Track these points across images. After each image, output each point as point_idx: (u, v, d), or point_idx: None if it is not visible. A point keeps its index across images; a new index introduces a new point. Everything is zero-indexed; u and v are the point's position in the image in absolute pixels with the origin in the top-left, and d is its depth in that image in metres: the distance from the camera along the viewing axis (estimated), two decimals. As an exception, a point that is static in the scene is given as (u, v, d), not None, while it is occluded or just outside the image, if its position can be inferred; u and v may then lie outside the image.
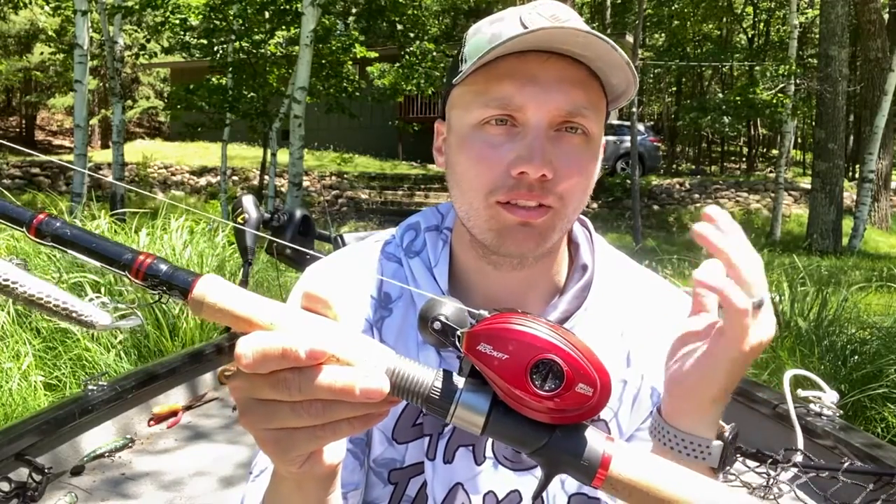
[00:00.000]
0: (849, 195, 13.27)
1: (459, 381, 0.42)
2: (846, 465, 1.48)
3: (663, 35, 21.93)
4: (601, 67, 0.65)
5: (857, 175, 15.00)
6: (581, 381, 0.39)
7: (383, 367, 0.41)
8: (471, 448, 0.73)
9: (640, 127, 15.31)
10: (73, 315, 0.45)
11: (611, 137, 15.73)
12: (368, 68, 14.50)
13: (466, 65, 0.65)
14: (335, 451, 0.47)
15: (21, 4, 12.80)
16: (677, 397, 0.56)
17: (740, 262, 0.51)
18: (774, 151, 22.60)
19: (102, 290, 3.54)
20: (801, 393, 1.93)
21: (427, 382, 0.42)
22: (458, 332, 0.44)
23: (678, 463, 0.42)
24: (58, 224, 0.46)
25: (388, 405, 0.42)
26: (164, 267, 0.44)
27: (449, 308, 0.47)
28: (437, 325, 0.46)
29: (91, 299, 0.46)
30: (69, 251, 0.46)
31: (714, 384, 0.54)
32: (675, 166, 21.84)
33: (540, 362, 0.40)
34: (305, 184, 14.54)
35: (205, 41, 12.53)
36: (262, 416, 0.41)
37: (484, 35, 0.66)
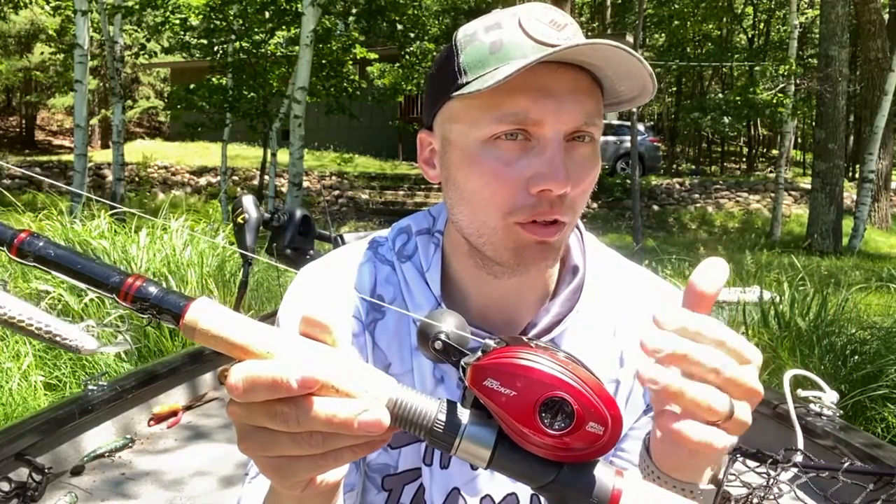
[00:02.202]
0: (849, 195, 13.28)
1: (464, 414, 0.41)
2: (846, 465, 1.48)
3: (663, 35, 21.94)
4: (609, 76, 0.63)
5: (857, 175, 15.00)
6: (592, 419, 0.38)
7: (384, 399, 0.40)
8: None
9: (640, 127, 15.32)
10: (58, 339, 0.44)
11: (611, 137, 15.73)
12: (368, 68, 14.51)
13: (467, 77, 0.63)
14: (337, 469, 0.46)
15: (21, 4, 12.81)
16: (667, 457, 0.52)
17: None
18: (774, 151, 22.60)
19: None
20: (801, 393, 1.93)
21: (430, 414, 0.40)
22: (463, 363, 0.43)
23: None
24: (41, 243, 0.44)
25: (391, 432, 0.41)
26: (154, 290, 0.42)
27: (449, 324, 0.46)
28: (438, 344, 0.45)
29: (83, 318, 0.45)
30: (53, 272, 0.43)
31: (709, 465, 0.52)
32: (675, 166, 21.84)
33: (549, 400, 0.38)
34: (305, 184, 14.54)
35: (205, 41, 12.55)
36: (261, 444, 0.41)
37: (482, 44, 0.63)
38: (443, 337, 0.45)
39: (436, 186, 15.58)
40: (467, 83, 0.63)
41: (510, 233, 0.64)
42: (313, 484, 0.44)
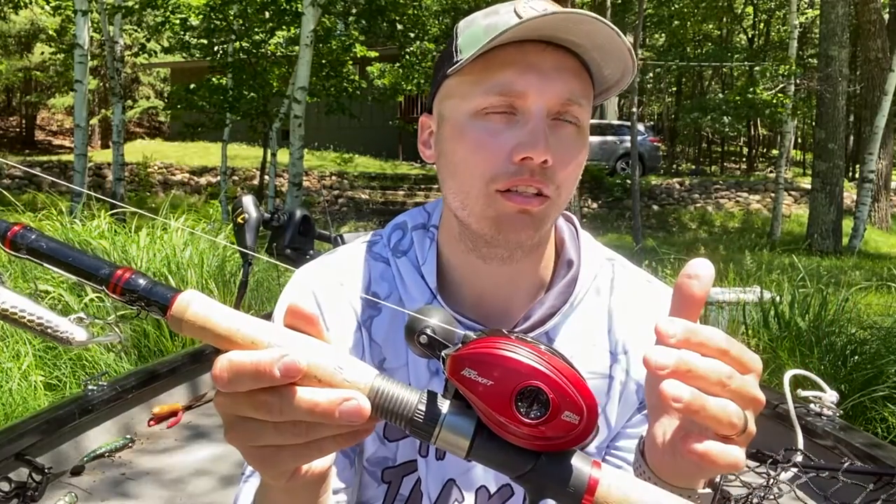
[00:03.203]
0: (849, 195, 13.28)
1: (444, 404, 0.41)
2: (846, 465, 1.48)
3: (663, 35, 21.93)
4: (595, 58, 0.65)
5: (857, 175, 15.00)
6: (567, 408, 0.39)
7: (366, 388, 0.41)
8: None
9: (640, 127, 15.32)
10: (49, 331, 0.44)
11: (611, 137, 15.73)
12: (368, 68, 14.51)
13: (462, 55, 0.66)
14: (324, 458, 0.47)
15: (21, 4, 12.80)
16: (670, 467, 0.51)
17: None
18: (774, 151, 22.60)
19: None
20: (802, 393, 1.94)
21: (411, 404, 0.41)
22: (443, 354, 0.43)
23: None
24: (33, 236, 0.45)
25: (373, 422, 0.42)
26: (142, 282, 0.43)
27: (436, 319, 0.46)
28: (423, 338, 0.46)
29: (77, 310, 0.45)
30: (45, 264, 0.44)
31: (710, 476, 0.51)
32: (675, 166, 21.84)
33: (525, 389, 0.39)
34: (305, 184, 14.54)
35: (205, 41, 12.55)
36: (246, 434, 0.41)
37: (479, 27, 0.66)
38: (428, 331, 0.46)
39: (435, 187, 15.62)
40: (459, 60, 0.66)
41: (491, 201, 0.66)
42: (299, 473, 0.45)
